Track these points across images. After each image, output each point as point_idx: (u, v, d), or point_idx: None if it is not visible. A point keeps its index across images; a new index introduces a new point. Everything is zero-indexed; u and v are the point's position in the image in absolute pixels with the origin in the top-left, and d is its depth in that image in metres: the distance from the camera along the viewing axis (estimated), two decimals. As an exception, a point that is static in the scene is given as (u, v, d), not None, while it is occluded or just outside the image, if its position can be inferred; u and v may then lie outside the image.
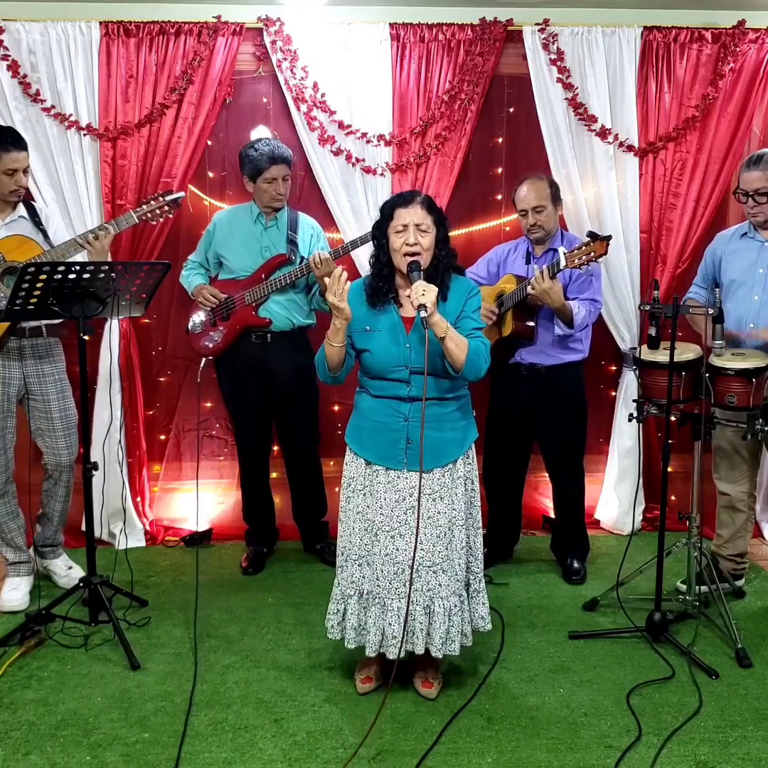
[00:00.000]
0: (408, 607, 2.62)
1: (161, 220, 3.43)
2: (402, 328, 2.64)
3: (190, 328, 3.73)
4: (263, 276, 3.58)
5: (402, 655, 2.65)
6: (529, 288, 3.29)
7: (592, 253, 3.12)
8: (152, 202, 3.37)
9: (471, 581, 2.79)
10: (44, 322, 3.27)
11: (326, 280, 2.61)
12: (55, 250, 3.23)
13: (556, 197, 3.52)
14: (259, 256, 3.61)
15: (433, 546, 2.65)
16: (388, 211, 2.62)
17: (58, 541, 3.59)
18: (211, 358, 3.70)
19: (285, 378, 3.62)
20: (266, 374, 3.61)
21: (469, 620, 2.77)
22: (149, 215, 3.36)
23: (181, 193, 3.46)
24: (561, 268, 3.19)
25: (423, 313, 2.42)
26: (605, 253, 3.13)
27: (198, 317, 3.70)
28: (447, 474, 2.68)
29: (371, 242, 2.73)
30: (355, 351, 2.70)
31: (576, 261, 3.15)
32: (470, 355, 2.55)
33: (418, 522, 2.57)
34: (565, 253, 3.16)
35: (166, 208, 3.38)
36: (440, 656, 2.70)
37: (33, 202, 3.46)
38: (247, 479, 3.87)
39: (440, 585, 2.66)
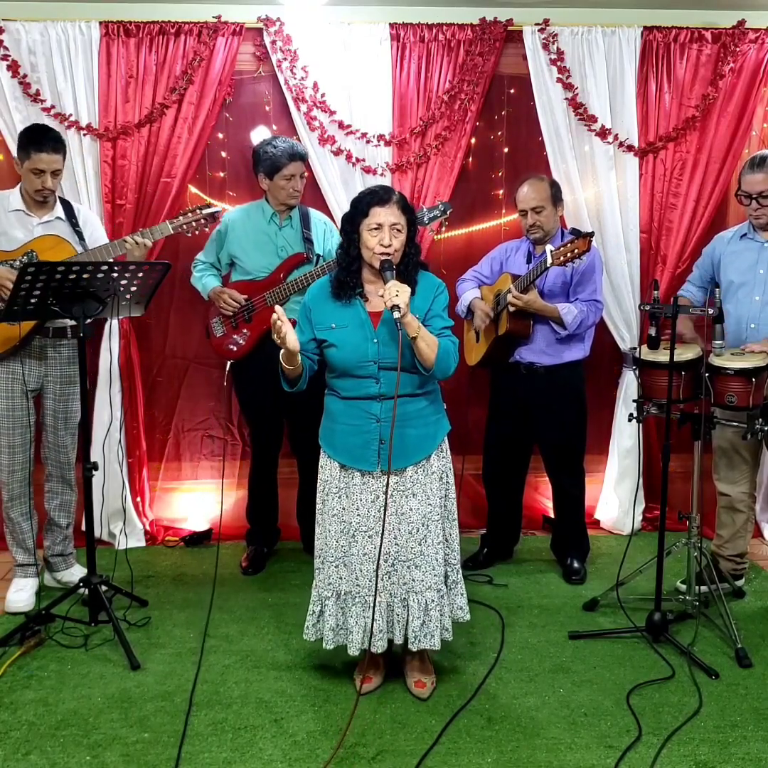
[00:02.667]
0: (375, 599, 2.63)
1: (197, 233, 3.41)
2: (369, 323, 2.62)
3: (211, 332, 3.73)
4: (282, 276, 3.57)
5: (384, 647, 2.67)
6: (510, 307, 3.34)
7: (576, 250, 3.13)
8: (189, 215, 3.36)
9: (449, 573, 2.79)
10: (70, 323, 3.27)
11: None
12: (89, 254, 3.23)
13: (556, 198, 3.52)
14: (275, 257, 3.60)
15: (407, 542, 2.66)
16: (364, 207, 2.58)
17: (69, 551, 3.59)
18: (232, 361, 3.70)
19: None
20: None
21: (448, 613, 2.77)
22: (185, 227, 3.35)
23: (218, 208, 3.44)
24: (547, 266, 3.20)
25: (396, 314, 2.41)
26: (588, 250, 3.14)
27: (218, 320, 3.70)
28: (420, 470, 2.68)
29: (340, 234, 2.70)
30: (321, 349, 2.68)
31: (561, 258, 3.16)
32: (441, 354, 2.55)
33: (383, 521, 2.58)
34: (551, 251, 3.17)
35: (203, 221, 3.37)
36: (415, 649, 2.70)
37: (73, 203, 3.46)
38: (256, 477, 3.87)
39: (414, 580, 2.67)
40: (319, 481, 2.77)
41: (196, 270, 3.77)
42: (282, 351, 2.56)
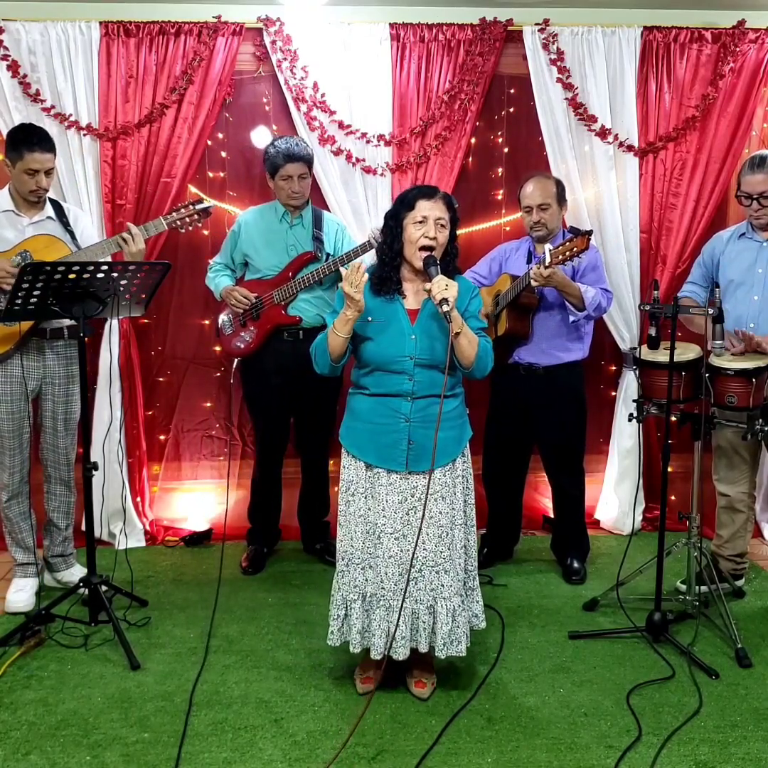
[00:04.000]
0: (402, 605, 2.61)
1: (191, 228, 3.39)
2: (407, 319, 2.64)
3: (220, 329, 3.75)
4: (290, 274, 3.58)
5: (405, 654, 2.65)
6: (532, 282, 3.28)
7: (574, 249, 3.12)
8: (182, 210, 3.36)
9: (466, 580, 2.78)
10: (66, 323, 3.27)
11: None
12: (83, 252, 3.23)
13: (561, 197, 3.53)
14: (284, 255, 3.62)
15: (436, 546, 2.64)
16: (410, 200, 2.60)
17: (69, 551, 3.59)
18: (241, 358, 3.72)
19: (313, 373, 3.60)
20: (296, 371, 3.55)
21: (468, 619, 2.78)
22: (178, 223, 3.34)
23: (212, 203, 3.45)
24: (546, 266, 3.18)
25: (445, 308, 2.43)
26: (586, 248, 3.12)
27: (227, 318, 3.71)
28: (447, 473, 2.67)
29: (381, 231, 2.71)
30: (354, 343, 2.69)
31: (560, 257, 3.14)
32: (480, 353, 2.58)
33: (422, 522, 2.56)
34: (550, 251, 3.16)
35: (196, 216, 3.36)
36: (443, 656, 2.69)
37: (62, 203, 3.46)
38: (261, 477, 3.87)
39: (443, 585, 2.66)
40: (342, 481, 2.75)
41: (211, 271, 3.80)
42: (341, 317, 2.56)
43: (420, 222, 2.57)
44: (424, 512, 2.57)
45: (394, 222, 2.64)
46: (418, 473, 2.63)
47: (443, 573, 2.66)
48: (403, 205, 2.62)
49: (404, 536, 2.64)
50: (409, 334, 2.61)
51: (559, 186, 3.55)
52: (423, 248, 2.57)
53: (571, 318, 3.45)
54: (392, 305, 2.65)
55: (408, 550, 2.63)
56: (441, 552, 2.65)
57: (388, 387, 2.64)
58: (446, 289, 2.44)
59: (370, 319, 2.63)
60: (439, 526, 2.65)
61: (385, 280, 2.65)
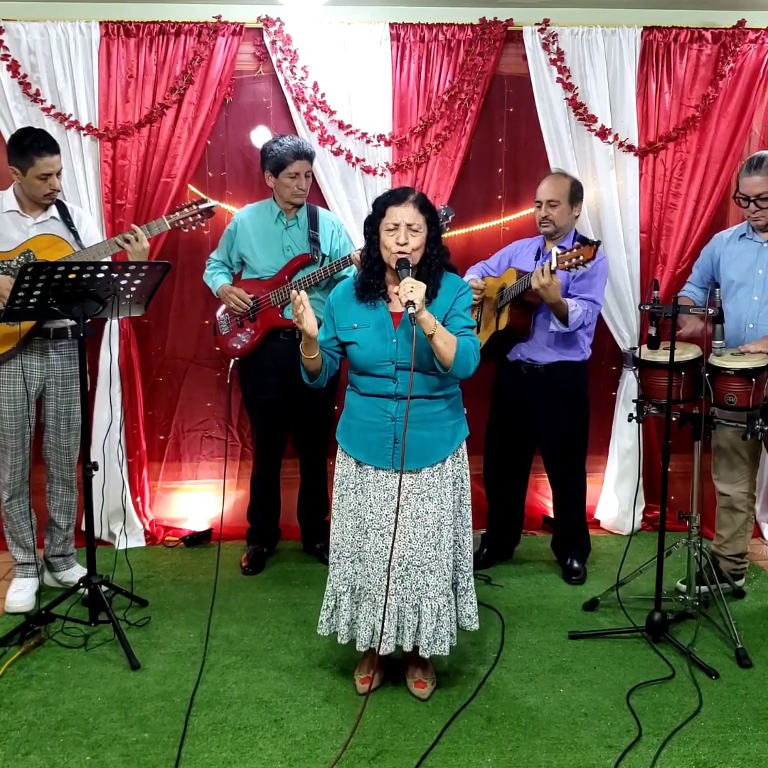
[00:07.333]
0: (386, 601, 2.62)
1: (194, 228, 3.40)
2: (390, 324, 2.64)
3: (216, 327, 3.75)
4: (286, 277, 3.58)
5: (389, 650, 2.66)
6: (532, 281, 3.28)
7: (580, 257, 3.11)
8: (185, 210, 3.36)
9: (459, 580, 2.79)
10: (70, 323, 3.27)
11: None
12: (86, 251, 3.23)
13: (574, 197, 3.53)
14: (281, 256, 3.61)
15: (421, 546, 2.65)
16: (380, 207, 2.61)
17: (69, 551, 3.59)
18: (237, 359, 3.72)
19: None
20: (293, 371, 3.54)
21: (455, 619, 2.77)
22: (181, 222, 3.35)
23: (214, 202, 3.46)
24: (552, 268, 3.19)
25: (411, 310, 2.42)
26: (593, 258, 3.10)
27: (224, 317, 3.72)
28: (436, 473, 2.67)
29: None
30: (342, 346, 2.71)
31: (565, 263, 3.14)
32: (459, 353, 2.54)
33: (396, 522, 2.57)
34: (557, 254, 3.16)
35: (199, 216, 3.37)
36: (427, 656, 2.70)
37: (65, 203, 3.46)
38: (260, 478, 3.87)
39: (428, 585, 2.66)
40: (335, 476, 2.79)
41: (208, 267, 3.80)
42: (301, 341, 2.60)
43: (392, 229, 2.56)
44: (397, 513, 2.58)
45: (370, 229, 2.64)
46: (404, 472, 2.63)
47: (429, 573, 2.66)
48: (375, 211, 2.63)
49: (390, 534, 2.64)
50: (391, 339, 2.62)
51: (574, 186, 3.55)
52: (397, 253, 2.56)
53: (552, 327, 3.44)
54: (376, 311, 2.66)
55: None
56: (426, 552, 2.65)
57: (376, 388, 2.66)
58: (411, 291, 2.42)
59: (355, 325, 2.66)
60: (425, 525, 2.65)
61: (368, 286, 2.66)
